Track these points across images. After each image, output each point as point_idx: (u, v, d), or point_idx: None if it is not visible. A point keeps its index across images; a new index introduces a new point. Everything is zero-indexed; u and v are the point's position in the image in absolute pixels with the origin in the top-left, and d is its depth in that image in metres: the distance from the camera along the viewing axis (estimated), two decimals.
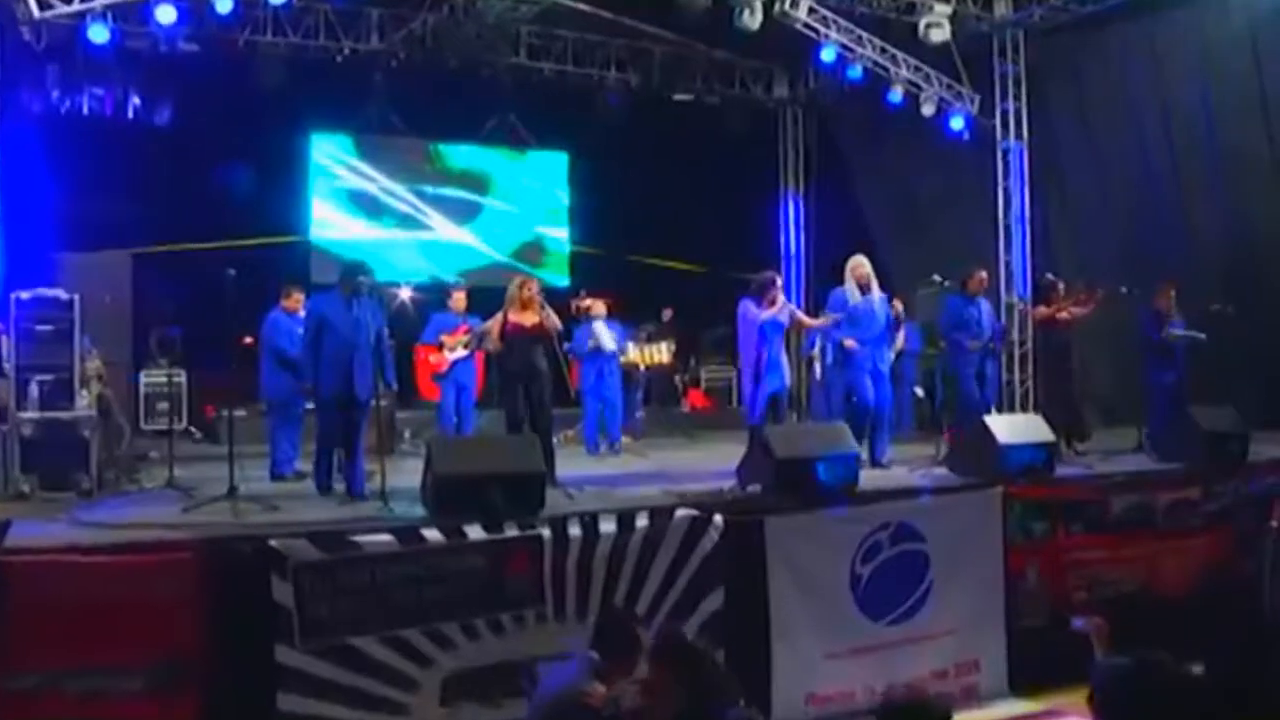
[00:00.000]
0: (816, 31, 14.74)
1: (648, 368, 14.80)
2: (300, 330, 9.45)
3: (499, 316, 9.42)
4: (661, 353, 14.93)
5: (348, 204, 16.85)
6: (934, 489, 8.83)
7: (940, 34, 14.72)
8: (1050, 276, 11.79)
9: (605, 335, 14.18)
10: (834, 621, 8.22)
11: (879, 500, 8.47)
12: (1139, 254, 15.10)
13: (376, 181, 17.04)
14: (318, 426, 8.81)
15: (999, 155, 16.13)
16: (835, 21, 14.78)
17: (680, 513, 7.66)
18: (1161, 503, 9.83)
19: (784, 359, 9.88)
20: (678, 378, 17.46)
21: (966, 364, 11.11)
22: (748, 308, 9.86)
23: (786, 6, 14.21)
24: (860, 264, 10.61)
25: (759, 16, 14.00)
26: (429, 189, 17.47)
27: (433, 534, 6.94)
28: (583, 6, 16.51)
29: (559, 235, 18.39)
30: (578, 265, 18.26)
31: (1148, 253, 15.18)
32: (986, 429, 9.19)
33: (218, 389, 12.52)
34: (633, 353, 14.51)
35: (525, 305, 9.36)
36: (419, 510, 7.55)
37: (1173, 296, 11.92)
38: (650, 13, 17.01)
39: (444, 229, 17.58)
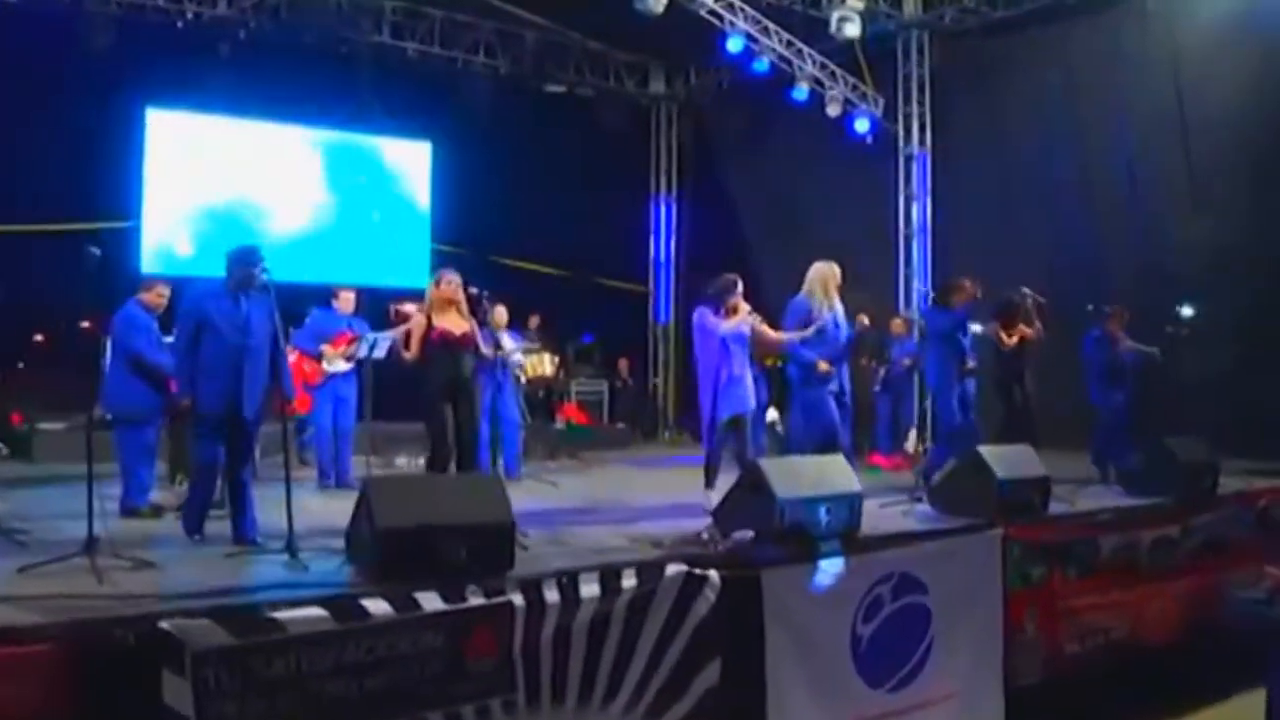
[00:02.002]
0: (721, 19, 13.51)
1: (529, 381, 13.24)
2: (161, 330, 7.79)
3: (418, 320, 7.79)
4: (544, 364, 13.51)
5: (184, 188, 14.61)
6: (936, 532, 7.58)
7: (853, 28, 13.74)
8: (1025, 292, 10.71)
9: (510, 347, 12.71)
10: (833, 692, 6.89)
11: (883, 547, 7.16)
12: (1044, 271, 14.33)
13: (218, 164, 14.82)
14: (195, 451, 7.00)
15: (901, 162, 15.25)
16: (742, 10, 13.56)
17: (671, 569, 6.18)
18: (1145, 542, 8.92)
19: (748, 376, 8.52)
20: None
21: (949, 383, 9.96)
22: (705, 316, 8.48)
23: None
24: (833, 273, 9.34)
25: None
26: (277, 176, 15.38)
27: (378, 605, 5.26)
28: None
29: (419, 232, 16.53)
30: (438, 265, 16.43)
31: (1053, 270, 14.44)
32: (982, 461, 8.03)
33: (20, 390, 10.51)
34: (506, 341, 13.03)
35: (448, 306, 7.79)
36: (342, 567, 5.86)
37: (1124, 319, 11.13)
38: None
39: (294, 220, 15.53)
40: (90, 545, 5.79)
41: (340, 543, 6.23)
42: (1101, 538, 8.59)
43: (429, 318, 7.73)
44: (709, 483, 8.39)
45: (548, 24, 16.66)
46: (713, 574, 6.28)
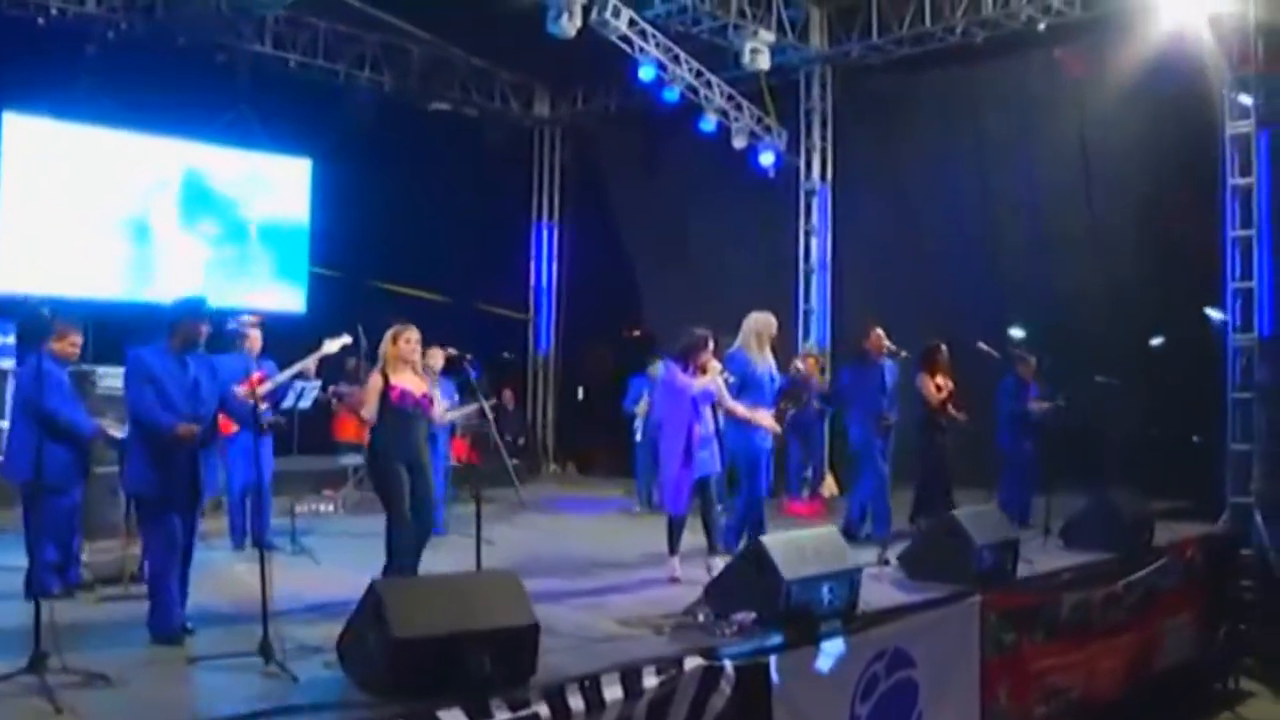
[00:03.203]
0: (632, 45, 13.06)
1: None
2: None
3: (375, 379, 7.09)
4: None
5: (41, 201, 13.28)
6: (925, 604, 7.28)
7: (764, 60, 13.51)
8: (933, 342, 10.62)
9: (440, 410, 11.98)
10: None
11: (877, 623, 6.83)
12: (943, 312, 14.38)
13: (81, 177, 13.53)
14: (150, 533, 6.10)
15: (801, 196, 15.08)
16: (655, 37, 13.15)
17: (689, 664, 5.72)
18: (1097, 599, 8.85)
19: (715, 438, 8.07)
20: None
21: (872, 437, 9.74)
22: (675, 374, 8.01)
23: (608, 14, 12.43)
24: (770, 324, 8.99)
25: (577, 21, 12.12)
26: (146, 190, 14.18)
27: None
28: None
29: (297, 254, 15.54)
30: (315, 290, 15.56)
31: (953, 312, 14.52)
32: (959, 527, 7.79)
33: None
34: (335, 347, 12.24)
35: (403, 365, 7.13)
36: (337, 678, 5.18)
37: (1034, 366, 11.13)
38: (411, 6, 14.76)
39: (165, 239, 14.35)
40: (39, 662, 4.94)
41: (309, 633, 5.76)
42: (1062, 599, 8.49)
43: (385, 376, 7.04)
44: (673, 547, 7.96)
45: (434, 40, 15.96)
46: (727, 665, 5.87)
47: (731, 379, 8.23)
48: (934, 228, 14.60)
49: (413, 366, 7.19)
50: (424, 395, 7.12)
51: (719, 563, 7.81)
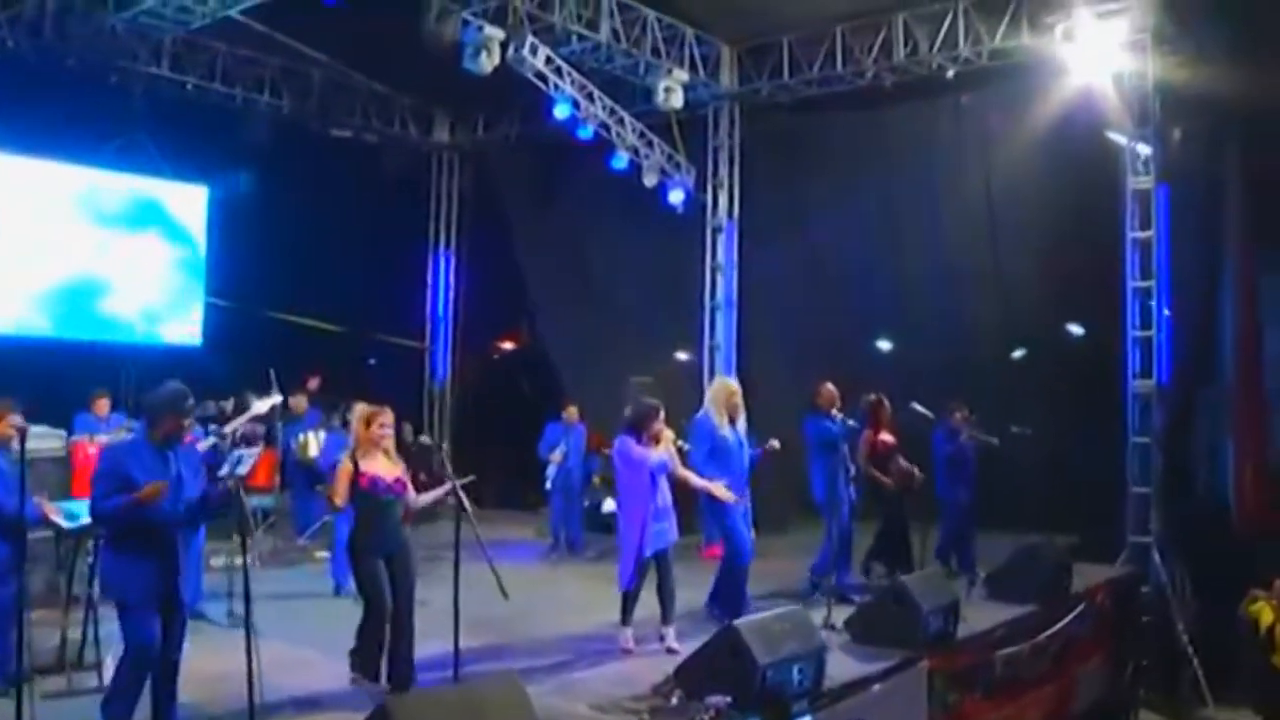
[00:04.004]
0: (547, 81, 12.94)
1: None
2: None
3: (345, 465, 6.82)
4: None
5: None
6: (881, 674, 7.36)
7: (676, 99, 13.53)
8: (874, 396, 10.76)
9: (314, 444, 11.66)
10: None
11: (840, 699, 6.89)
12: (848, 350, 14.69)
13: None
14: (128, 634, 5.73)
15: (708, 233, 15.13)
16: (570, 75, 13.06)
17: None
18: (1025, 652, 9.08)
19: (672, 509, 8.02)
20: None
21: (836, 490, 9.80)
22: (629, 447, 7.92)
23: (525, 52, 12.30)
24: (734, 391, 9.01)
25: (495, 59, 11.98)
26: (31, 219, 13.50)
27: None
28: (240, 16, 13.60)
29: (192, 285, 14.99)
30: (211, 321, 15.06)
31: (858, 351, 14.84)
32: (906, 593, 7.91)
33: None
34: (312, 445, 11.98)
35: (374, 449, 6.89)
36: None
37: (964, 415, 11.36)
38: (311, 30, 14.39)
39: (51, 270, 13.67)
40: None
41: None
42: (995, 656, 8.69)
43: (355, 461, 6.79)
44: (625, 619, 7.91)
45: (334, 64, 15.59)
46: None
47: (687, 447, 8.21)
48: (840, 266, 14.85)
49: (384, 450, 6.93)
50: (397, 480, 6.88)
51: (671, 632, 7.82)
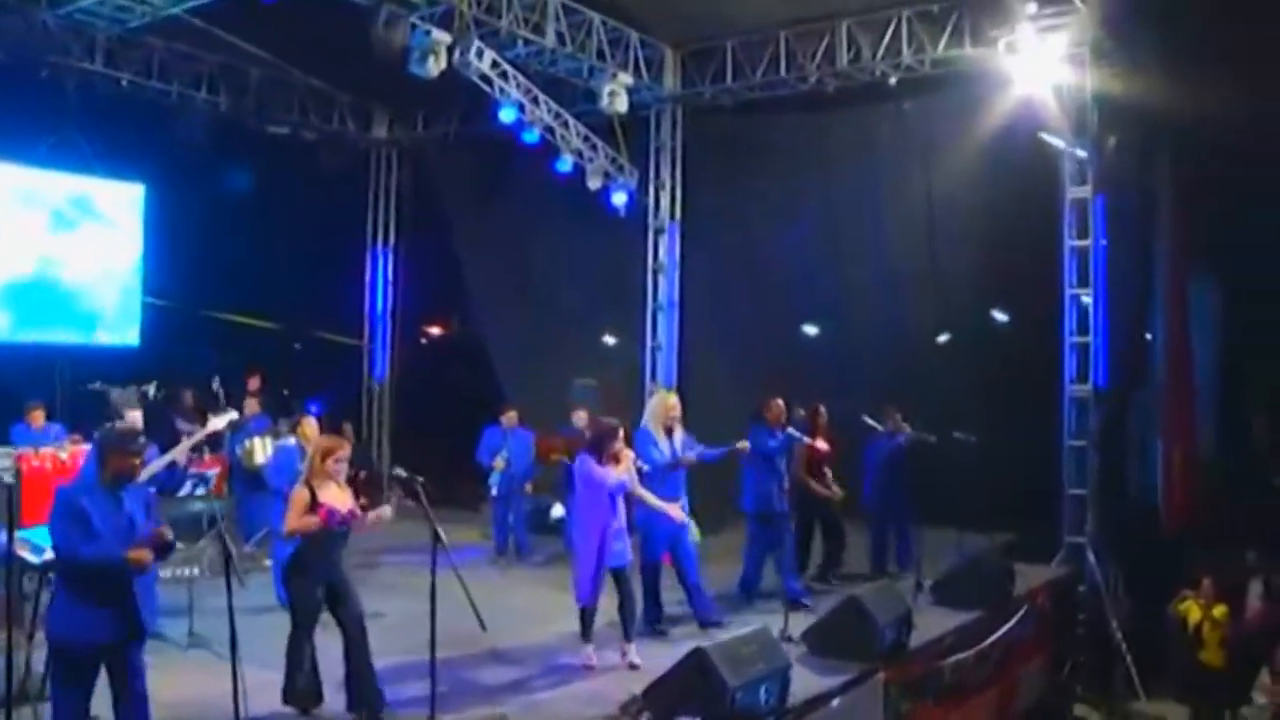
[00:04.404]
0: (492, 84, 12.89)
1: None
2: None
3: (300, 493, 6.79)
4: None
5: None
6: (841, 688, 7.52)
7: (621, 103, 13.54)
8: (812, 406, 10.92)
9: (260, 451, 11.51)
10: None
11: (803, 714, 7.03)
12: (788, 352, 14.86)
13: None
14: (59, 694, 5.53)
15: (650, 234, 15.20)
16: (515, 78, 13.02)
17: None
18: (971, 660, 9.30)
19: (626, 526, 8.10)
20: None
21: (770, 502, 9.95)
22: (590, 466, 7.97)
23: (471, 56, 12.25)
24: (673, 405, 9.13)
25: (442, 64, 11.92)
26: None
27: None
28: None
29: (130, 284, 14.73)
30: (149, 321, 14.82)
31: (798, 352, 14.99)
32: (863, 608, 8.08)
33: None
34: (258, 451, 11.82)
35: (328, 480, 6.87)
36: None
37: (898, 419, 11.60)
38: (249, 27, 14.19)
39: None
40: None
41: None
42: (946, 662, 8.90)
43: (311, 491, 6.78)
44: (585, 635, 7.99)
45: (272, 60, 15.38)
46: None
47: (644, 466, 8.28)
48: (781, 268, 14.98)
49: (336, 481, 6.93)
50: (349, 511, 6.88)
51: (633, 649, 7.92)
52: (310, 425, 9.68)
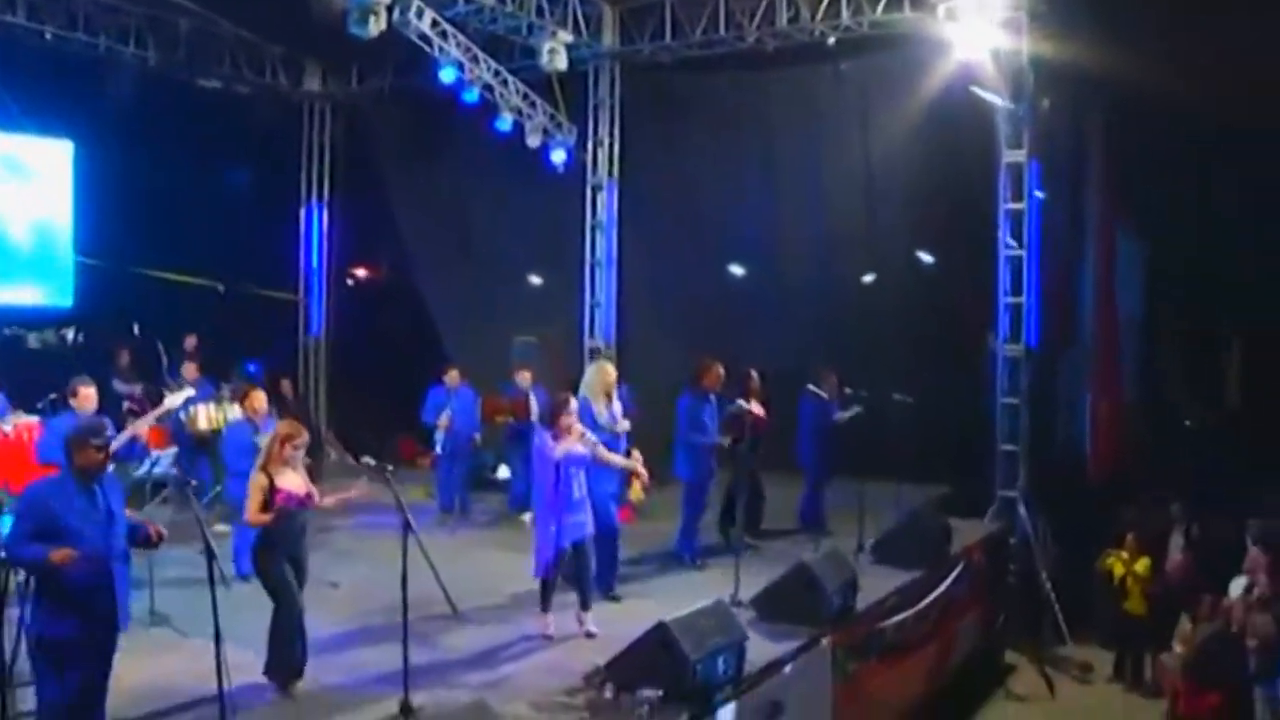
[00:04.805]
0: (431, 44, 12.80)
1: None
2: None
3: (258, 479, 6.85)
4: (236, 414, 12.17)
5: None
6: (793, 653, 7.76)
7: (561, 61, 13.53)
8: (749, 369, 11.07)
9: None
10: None
11: (758, 682, 7.27)
12: (726, 309, 15.04)
13: None
14: (44, 688, 5.52)
15: (589, 191, 15.22)
16: (455, 37, 12.93)
17: None
18: (911, 619, 9.60)
19: (587, 499, 8.21)
20: None
21: (702, 473, 10.14)
22: (544, 440, 8.07)
23: (410, 15, 12.15)
24: (608, 371, 9.28)
25: (382, 24, 11.81)
26: None
27: None
28: None
29: (61, 243, 14.46)
30: (82, 281, 14.59)
31: (736, 309, 15.15)
32: (813, 576, 8.32)
33: None
34: (202, 419, 11.74)
35: (284, 465, 6.92)
36: None
37: (834, 382, 11.80)
38: None
39: None
40: None
41: None
42: (888, 623, 9.20)
43: (268, 476, 6.84)
44: (545, 606, 8.14)
45: (201, 11, 15.04)
46: None
47: (592, 439, 8.37)
48: (719, 225, 15.12)
49: (294, 466, 7.00)
50: (306, 494, 6.97)
51: (589, 618, 8.10)
52: (259, 399, 9.65)
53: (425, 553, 6.49)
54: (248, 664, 6.62)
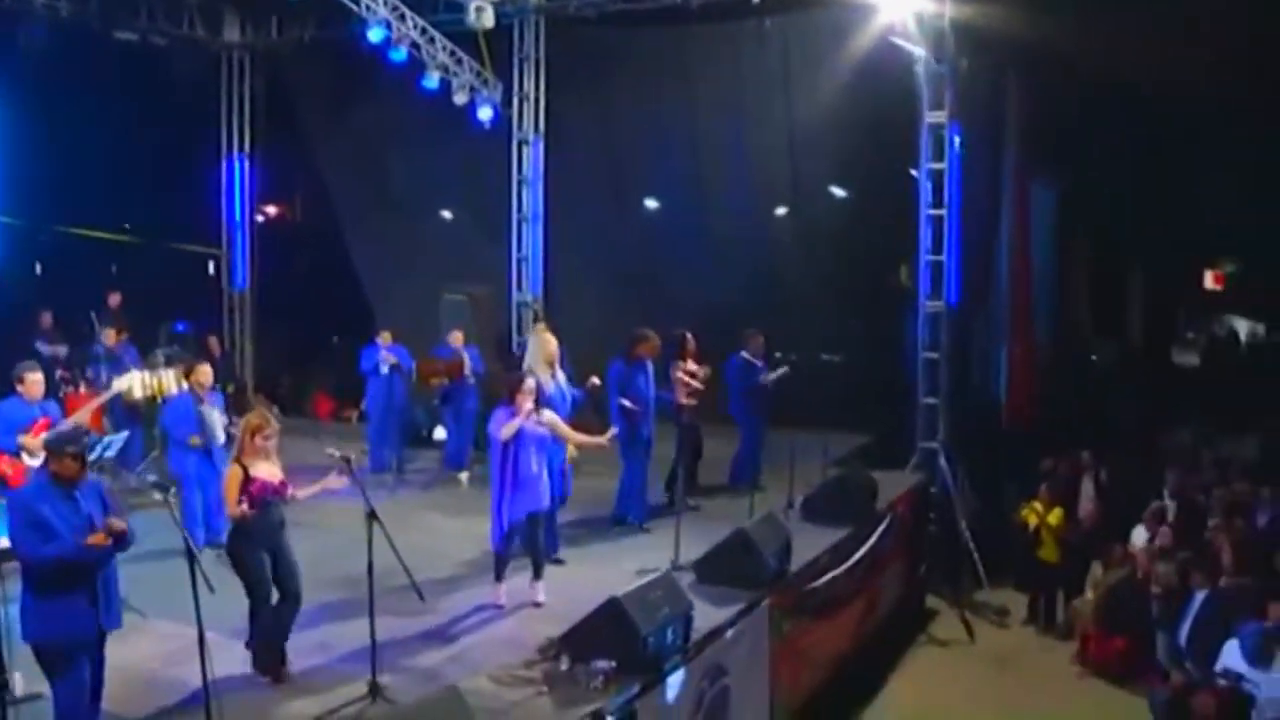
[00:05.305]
0: (358, 2, 12.71)
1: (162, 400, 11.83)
2: None
3: (233, 471, 6.93)
4: (171, 382, 12.10)
5: None
6: (733, 619, 8.10)
7: (488, 18, 13.52)
8: (682, 331, 11.28)
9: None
10: None
11: (703, 649, 7.61)
12: (652, 262, 15.27)
13: None
14: (56, 685, 5.68)
15: (515, 146, 15.25)
16: None
17: None
18: (841, 576, 9.98)
19: (544, 473, 8.41)
20: None
21: (637, 430, 10.38)
22: (498, 417, 8.26)
23: None
24: (549, 342, 9.44)
25: None
26: None
27: None
28: None
29: None
30: None
31: (662, 262, 15.37)
32: (750, 542, 8.63)
33: None
34: (137, 387, 11.63)
35: (257, 454, 7.00)
36: None
37: (761, 343, 12.00)
38: None
39: None
40: None
41: None
42: (820, 581, 9.59)
43: (243, 467, 6.92)
44: (499, 576, 8.37)
45: None
46: None
47: (550, 415, 8.54)
48: (644, 180, 15.33)
49: (266, 456, 7.07)
50: (281, 482, 7.05)
51: (540, 587, 8.36)
52: (204, 373, 9.67)
53: (391, 542, 6.65)
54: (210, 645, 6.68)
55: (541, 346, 9.56)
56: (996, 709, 10.15)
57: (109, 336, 12.23)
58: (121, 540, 5.72)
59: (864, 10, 12.50)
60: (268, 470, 7.00)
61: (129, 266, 15.30)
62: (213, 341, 15.67)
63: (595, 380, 9.86)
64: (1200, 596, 9.62)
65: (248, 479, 6.87)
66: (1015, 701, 10.30)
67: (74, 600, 5.61)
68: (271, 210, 18.32)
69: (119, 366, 11.65)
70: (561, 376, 9.55)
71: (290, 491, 7.14)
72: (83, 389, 11.67)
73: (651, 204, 15.40)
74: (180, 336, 14.94)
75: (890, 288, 15.35)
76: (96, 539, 5.54)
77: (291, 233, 18.14)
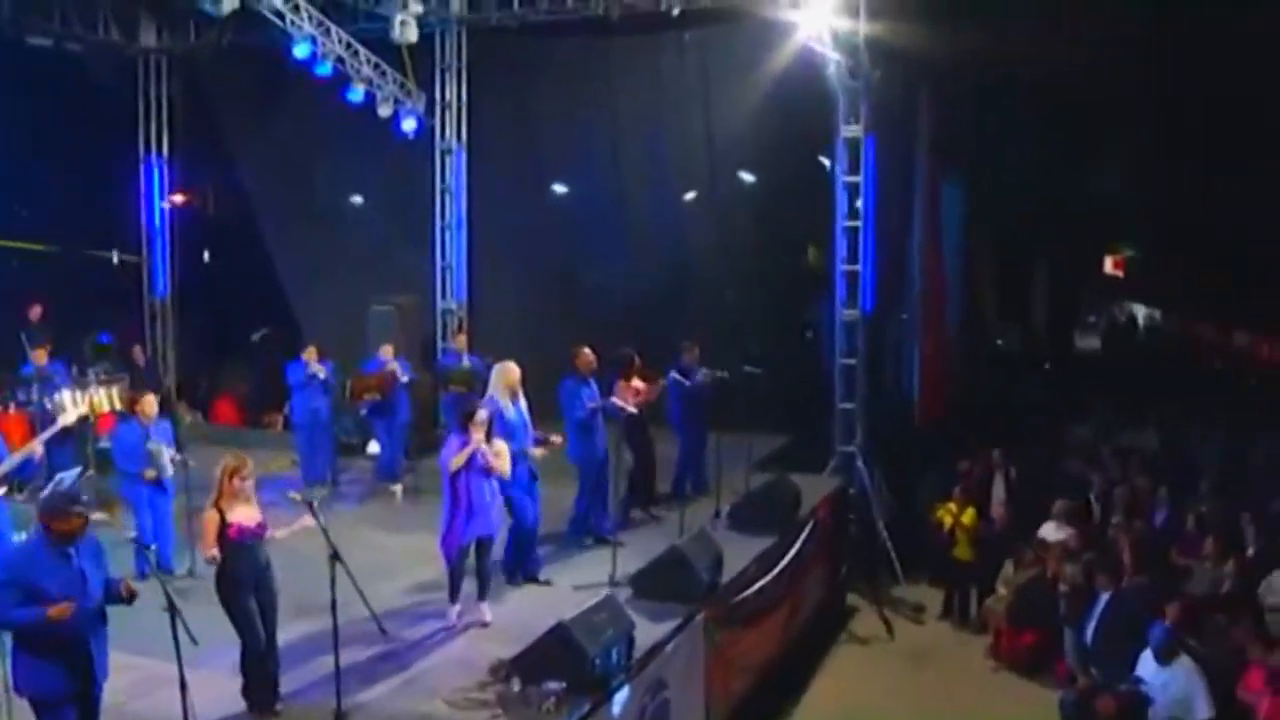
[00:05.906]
0: (284, 19, 12.77)
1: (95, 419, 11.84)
2: None
3: (211, 516, 7.06)
4: (114, 398, 12.12)
5: None
6: (671, 635, 8.48)
7: (412, 32, 13.65)
8: (628, 351, 11.56)
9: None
10: None
11: (645, 665, 7.98)
12: (573, 271, 15.57)
13: None
14: None
15: (438, 156, 15.41)
16: (307, 10, 12.91)
17: None
18: (769, 584, 10.38)
19: (497, 498, 8.71)
20: None
21: (591, 452, 10.66)
22: (449, 447, 8.53)
23: None
24: (512, 370, 9.67)
25: (235, 1, 11.80)
26: None
27: None
28: None
29: None
30: None
31: (583, 271, 15.68)
32: (684, 559, 9.01)
33: None
34: (73, 414, 11.50)
35: (234, 498, 7.13)
36: None
37: (696, 353, 12.28)
38: None
39: None
40: None
41: None
42: (749, 590, 9.99)
43: (221, 512, 7.04)
44: (452, 598, 8.63)
45: None
46: None
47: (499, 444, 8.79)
48: (566, 188, 15.59)
49: (244, 498, 7.18)
50: (259, 524, 7.16)
51: (485, 608, 8.67)
52: (149, 404, 9.72)
53: (353, 578, 6.90)
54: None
55: (503, 376, 9.72)
56: (916, 704, 10.67)
57: (38, 357, 12.19)
58: (131, 600, 5.88)
59: (781, 27, 12.84)
60: (245, 513, 7.08)
61: (48, 275, 15.13)
62: (137, 351, 15.65)
63: (556, 439, 10.04)
64: (1104, 598, 10.21)
65: (224, 523, 6.99)
66: (933, 696, 10.84)
67: (60, 657, 5.73)
68: (179, 199, 17.99)
69: (50, 387, 11.63)
70: (524, 404, 9.74)
71: (269, 533, 7.26)
72: (12, 410, 11.63)
73: (571, 211, 15.67)
74: (105, 348, 14.88)
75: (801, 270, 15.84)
76: (58, 611, 5.56)
77: (206, 229, 17.96)
